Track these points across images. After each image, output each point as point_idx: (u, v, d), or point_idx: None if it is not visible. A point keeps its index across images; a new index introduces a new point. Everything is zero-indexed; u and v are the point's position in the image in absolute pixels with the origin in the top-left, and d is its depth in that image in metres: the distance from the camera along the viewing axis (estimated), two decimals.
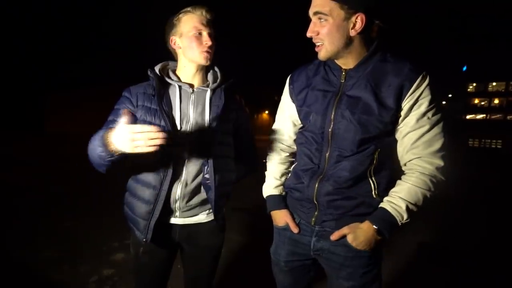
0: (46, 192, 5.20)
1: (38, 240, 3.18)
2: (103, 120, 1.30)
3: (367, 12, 1.05)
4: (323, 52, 1.11)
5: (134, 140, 0.96)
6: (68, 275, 2.55)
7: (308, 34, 1.11)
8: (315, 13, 1.07)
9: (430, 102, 1.07)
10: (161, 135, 0.96)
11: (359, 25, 1.06)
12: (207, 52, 1.29)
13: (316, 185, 1.17)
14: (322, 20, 1.07)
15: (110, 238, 3.27)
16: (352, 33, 1.07)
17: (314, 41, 1.12)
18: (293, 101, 1.27)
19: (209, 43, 1.28)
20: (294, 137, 1.33)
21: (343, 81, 1.15)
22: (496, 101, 45.06)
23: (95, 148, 1.07)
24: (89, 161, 1.17)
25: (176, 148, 1.26)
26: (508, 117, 43.43)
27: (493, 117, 44.99)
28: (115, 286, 2.43)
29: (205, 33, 1.28)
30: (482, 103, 45.89)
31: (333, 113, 1.13)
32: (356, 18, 1.05)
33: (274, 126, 1.39)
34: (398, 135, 1.14)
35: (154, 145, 0.97)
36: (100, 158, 1.07)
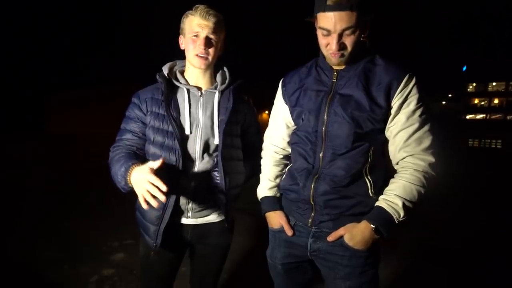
0: (46, 192, 5.21)
1: (38, 240, 3.19)
2: (103, 120, 1.32)
3: (375, 15, 1.08)
4: (341, 59, 1.11)
5: (144, 187, 1.02)
6: (68, 275, 2.56)
7: (336, 50, 1.08)
8: (346, 29, 1.05)
9: (419, 101, 1.09)
10: (163, 198, 1.01)
11: (368, 29, 1.09)
12: (200, 56, 1.26)
13: (312, 185, 1.17)
14: (350, 33, 1.06)
15: (110, 238, 3.28)
16: (363, 37, 1.10)
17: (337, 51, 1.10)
18: (286, 103, 1.29)
19: (202, 46, 1.24)
20: (287, 139, 1.34)
21: (335, 80, 1.17)
22: (496, 101, 45.06)
23: (116, 173, 1.17)
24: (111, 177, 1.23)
25: (186, 152, 1.27)
26: (508, 117, 43.42)
27: (493, 117, 44.98)
28: (115, 286, 2.44)
29: (201, 36, 1.25)
30: (482, 103, 45.89)
31: (326, 112, 1.15)
32: (369, 23, 1.09)
33: (268, 129, 1.40)
34: (389, 134, 1.15)
35: (153, 201, 1.02)
36: (119, 184, 1.17)
